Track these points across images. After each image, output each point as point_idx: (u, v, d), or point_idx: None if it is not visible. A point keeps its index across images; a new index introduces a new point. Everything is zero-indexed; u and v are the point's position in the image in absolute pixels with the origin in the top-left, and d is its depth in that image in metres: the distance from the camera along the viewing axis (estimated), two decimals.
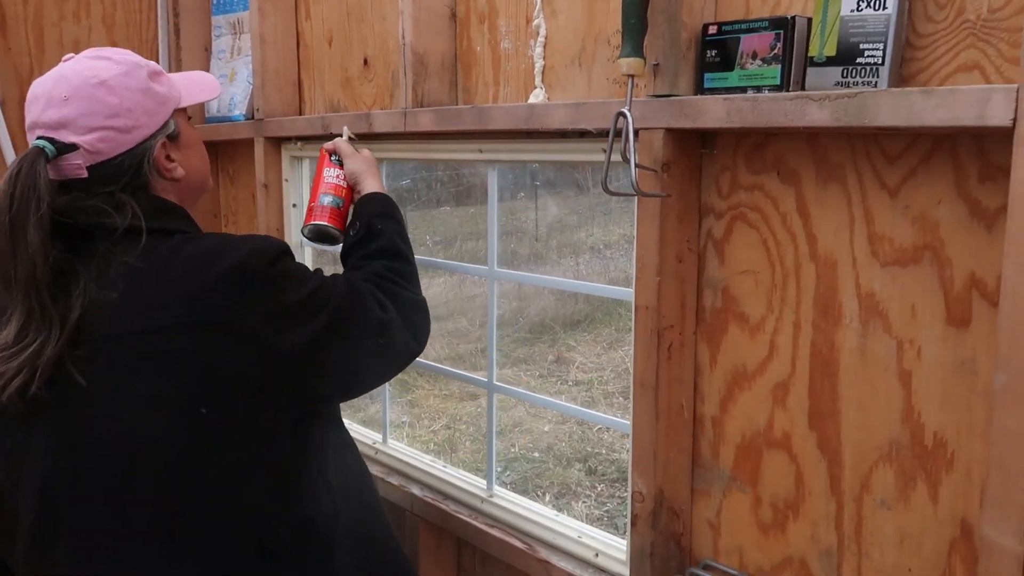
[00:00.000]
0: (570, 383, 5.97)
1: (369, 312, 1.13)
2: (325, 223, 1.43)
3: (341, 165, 1.47)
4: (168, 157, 1.12)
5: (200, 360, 0.96)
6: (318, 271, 1.13)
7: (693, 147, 1.19)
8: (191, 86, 1.22)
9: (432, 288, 8.20)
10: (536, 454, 4.75)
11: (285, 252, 1.06)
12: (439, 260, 2.17)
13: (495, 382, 1.63)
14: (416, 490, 1.73)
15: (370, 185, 1.43)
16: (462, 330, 7.18)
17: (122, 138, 1.06)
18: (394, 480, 1.77)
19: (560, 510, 1.88)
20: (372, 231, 1.33)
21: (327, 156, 1.50)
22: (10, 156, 2.05)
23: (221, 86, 1.34)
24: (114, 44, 2.23)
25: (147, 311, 0.96)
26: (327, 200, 1.44)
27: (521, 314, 7.66)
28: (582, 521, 1.54)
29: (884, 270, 1.03)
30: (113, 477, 0.96)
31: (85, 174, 1.03)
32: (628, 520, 1.28)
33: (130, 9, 2.27)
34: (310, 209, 1.46)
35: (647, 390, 1.21)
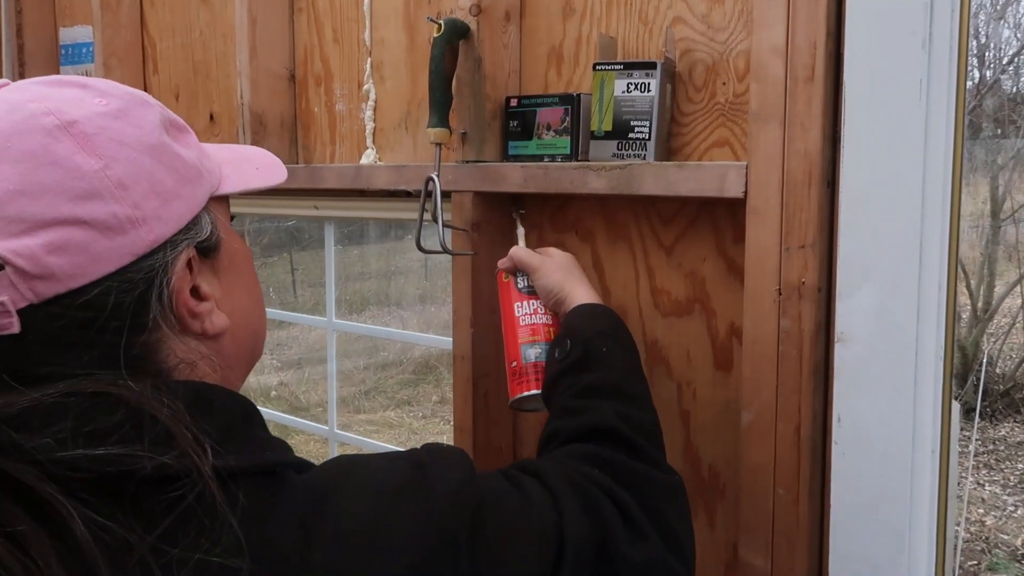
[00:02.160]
0: (453, 424, 6.01)
1: (620, 553, 0.71)
2: (538, 392, 0.99)
3: (532, 292, 1.04)
4: (196, 290, 0.62)
5: None
6: (521, 483, 0.70)
7: (504, 208, 1.29)
8: (239, 162, 0.71)
9: (314, 332, 8.12)
10: None
11: (480, 503, 0.63)
12: (280, 311, 2.18)
13: (335, 430, 1.68)
14: None
15: (579, 295, 1.00)
16: (345, 372, 7.13)
17: (104, 244, 0.55)
18: None
19: None
20: (591, 355, 0.91)
21: (510, 283, 1.06)
22: None
23: None
24: None
25: None
26: (532, 354, 1.00)
27: (406, 355, 7.67)
28: None
29: (665, 320, 1.15)
30: None
31: (16, 328, 0.53)
32: None
33: None
34: (512, 372, 1.03)
35: (465, 434, 1.29)
